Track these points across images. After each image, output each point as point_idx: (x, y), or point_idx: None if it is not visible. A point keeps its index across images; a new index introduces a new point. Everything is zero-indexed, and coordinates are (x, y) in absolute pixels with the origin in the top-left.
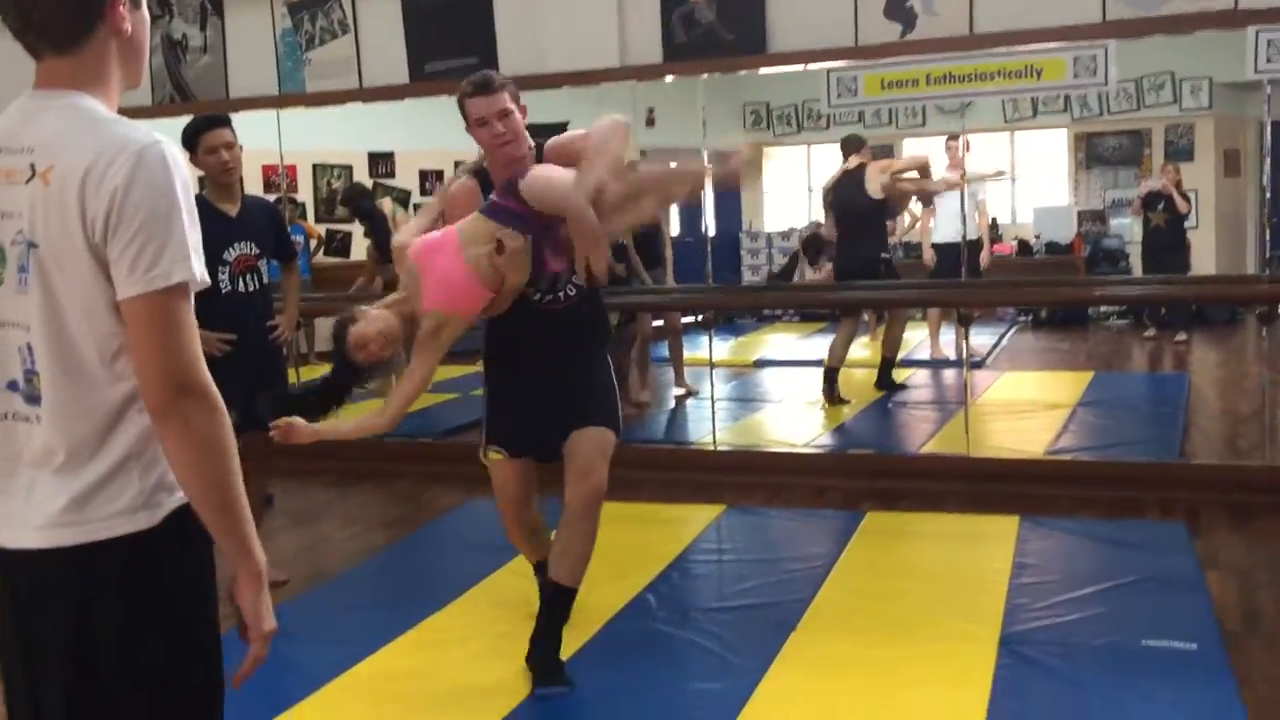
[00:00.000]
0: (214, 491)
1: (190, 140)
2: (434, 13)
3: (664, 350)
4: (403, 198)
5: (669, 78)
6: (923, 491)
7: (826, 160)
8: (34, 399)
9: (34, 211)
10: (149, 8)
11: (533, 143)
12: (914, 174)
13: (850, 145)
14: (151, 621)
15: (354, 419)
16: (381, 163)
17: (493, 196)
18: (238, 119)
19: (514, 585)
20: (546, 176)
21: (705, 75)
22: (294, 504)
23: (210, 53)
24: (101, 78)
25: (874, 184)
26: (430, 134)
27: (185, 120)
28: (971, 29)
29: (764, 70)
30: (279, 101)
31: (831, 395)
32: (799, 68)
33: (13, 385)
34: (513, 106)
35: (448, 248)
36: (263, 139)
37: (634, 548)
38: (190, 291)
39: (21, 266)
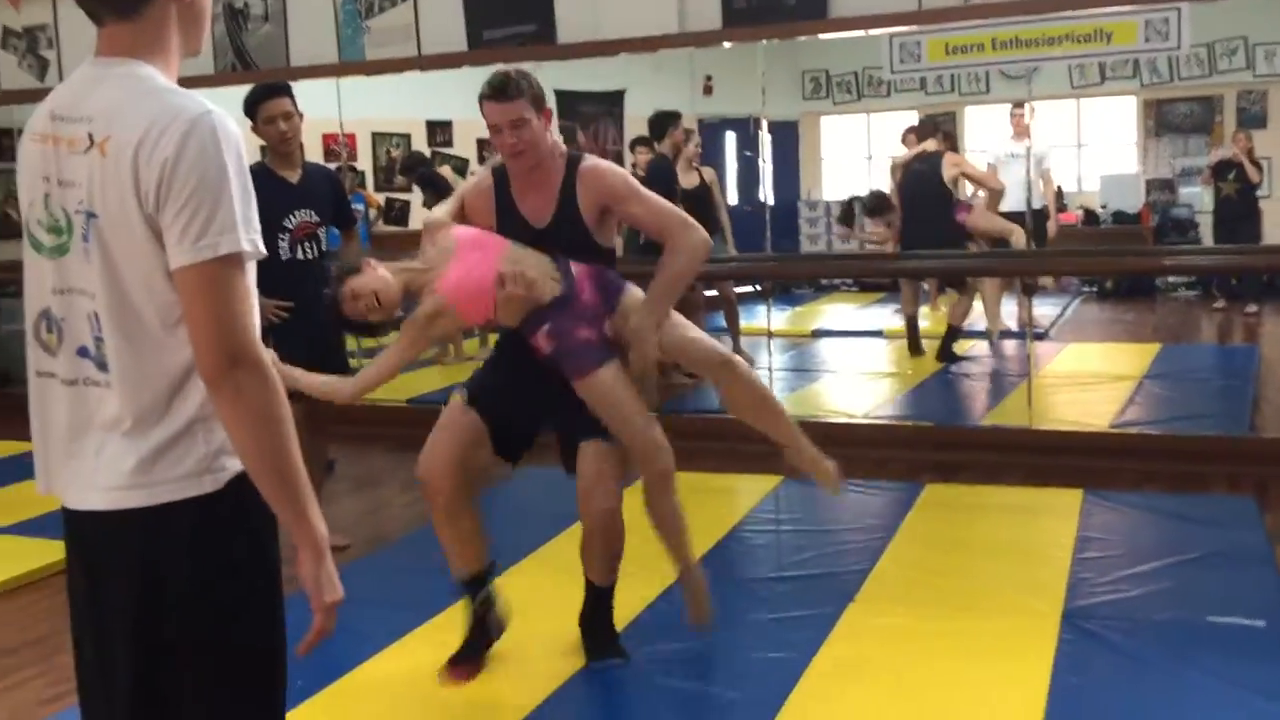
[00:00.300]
0: (268, 461)
1: (250, 109)
2: None
3: (720, 320)
4: (460, 166)
5: (727, 44)
6: (984, 464)
7: (886, 128)
8: (104, 365)
9: (92, 182)
10: None
11: (565, 149)
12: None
13: (927, 129)
14: (216, 584)
15: (319, 377)
16: (440, 131)
17: (577, 268)
18: (298, 87)
19: (573, 551)
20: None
21: (765, 41)
22: (355, 469)
23: (271, 21)
24: (162, 44)
25: (949, 173)
26: None
27: (246, 89)
28: None
29: (824, 36)
30: (339, 70)
31: (916, 348)
32: (860, 33)
33: (83, 351)
34: (530, 115)
35: (491, 249)
36: (323, 107)
37: (690, 517)
38: (243, 262)
39: (84, 235)
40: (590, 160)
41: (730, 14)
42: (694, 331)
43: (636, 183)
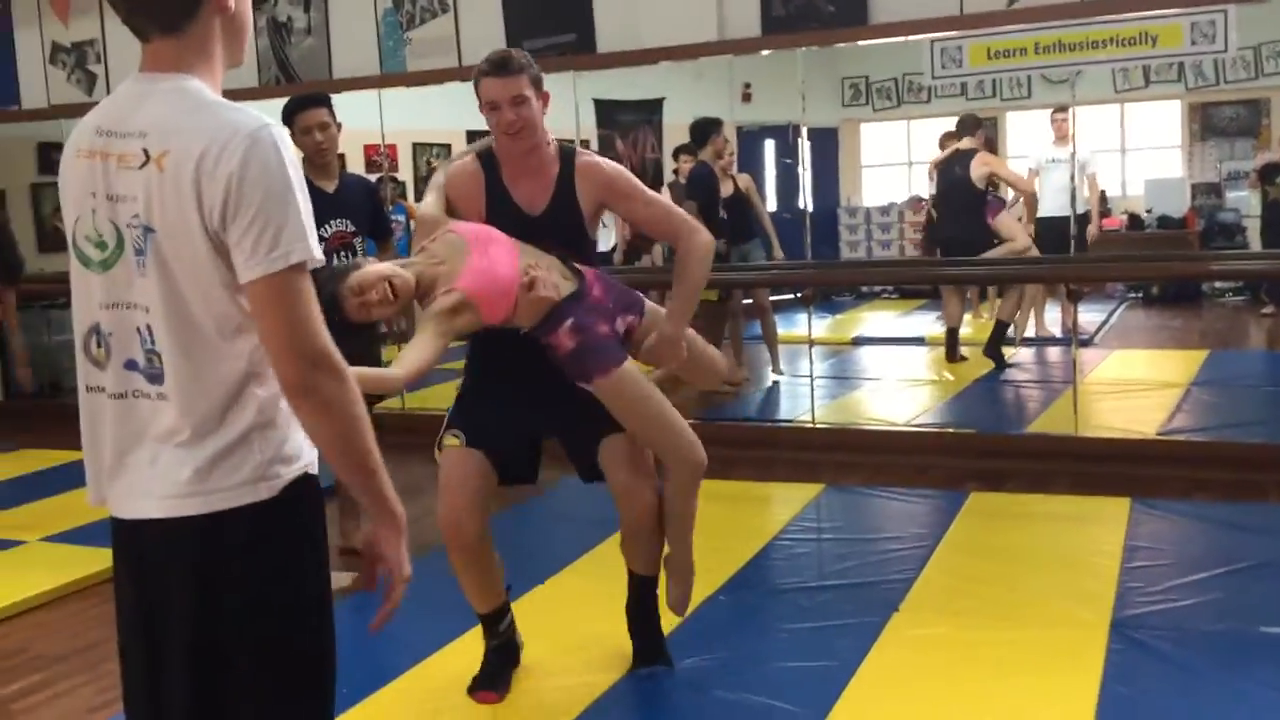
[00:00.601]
0: (354, 457)
1: (287, 119)
2: None
3: (756, 329)
4: None
5: (766, 51)
6: (1029, 472)
7: (927, 134)
8: (156, 377)
9: (149, 197)
10: None
11: (554, 139)
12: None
13: (966, 125)
14: (272, 591)
15: (367, 370)
16: (480, 140)
17: (592, 276)
18: (340, 99)
19: (617, 557)
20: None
21: (804, 48)
22: (398, 478)
23: (314, 34)
24: (206, 57)
25: (978, 172)
26: None
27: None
28: None
29: (864, 42)
30: (380, 81)
31: (953, 355)
32: (901, 39)
33: (131, 364)
34: (530, 93)
35: (505, 244)
36: (365, 118)
37: (731, 526)
38: (309, 268)
39: (138, 249)
40: (586, 154)
41: (769, 21)
42: (703, 342)
43: (639, 181)
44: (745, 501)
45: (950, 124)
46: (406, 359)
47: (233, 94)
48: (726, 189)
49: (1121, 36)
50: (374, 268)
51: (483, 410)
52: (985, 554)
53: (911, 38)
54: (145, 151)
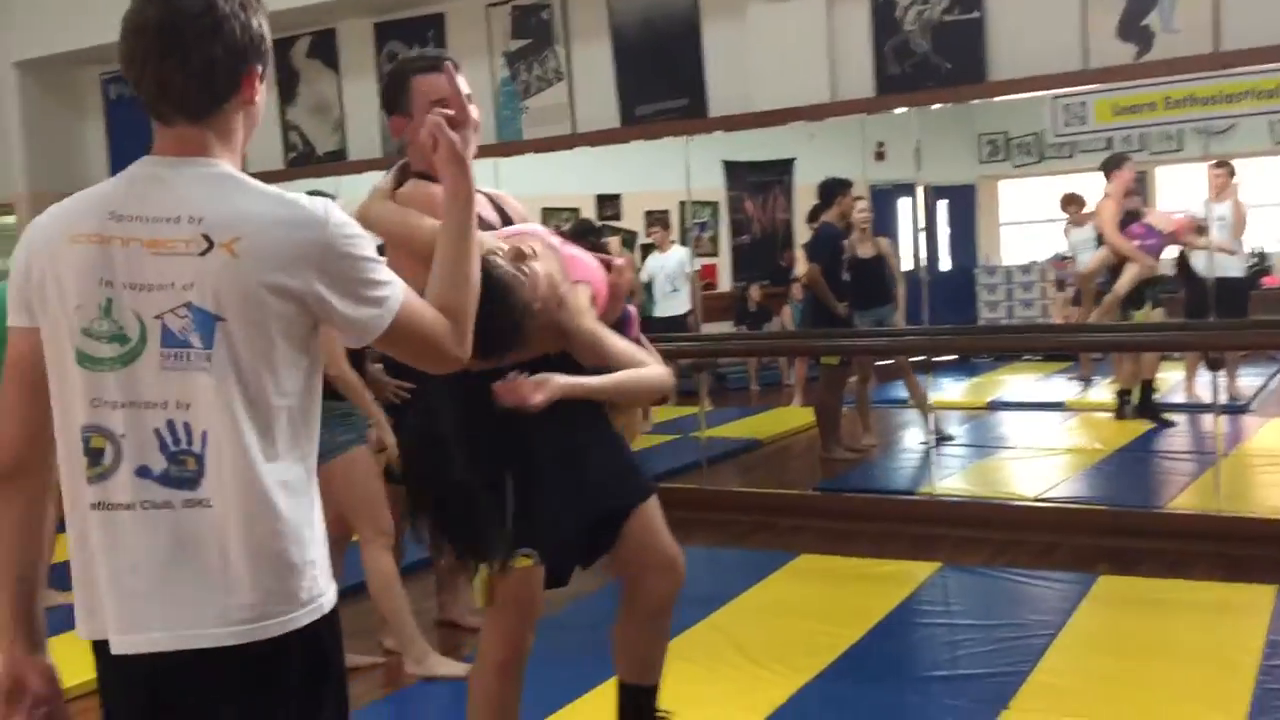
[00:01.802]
0: None
1: None
2: (644, 57)
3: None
4: (629, 238)
5: (900, 110)
6: (1166, 553)
7: (1070, 190)
8: (187, 481)
9: (218, 284)
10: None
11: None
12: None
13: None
14: (331, 703)
15: (650, 373)
16: (608, 204)
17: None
18: None
19: (696, 646)
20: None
21: (929, 105)
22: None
23: None
24: (230, 142)
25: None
26: (652, 176)
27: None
28: (1217, 46)
29: (995, 98)
30: (499, 150)
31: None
32: (1022, 95)
33: (144, 471)
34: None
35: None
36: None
37: (840, 607)
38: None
39: (178, 341)
40: (503, 196)
41: (884, 81)
42: None
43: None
44: (857, 580)
45: (1089, 181)
46: (644, 355)
47: (363, 164)
48: (866, 250)
49: (1260, 88)
50: (540, 267)
51: (538, 517)
52: (1109, 647)
53: (1033, 94)
54: (206, 238)
